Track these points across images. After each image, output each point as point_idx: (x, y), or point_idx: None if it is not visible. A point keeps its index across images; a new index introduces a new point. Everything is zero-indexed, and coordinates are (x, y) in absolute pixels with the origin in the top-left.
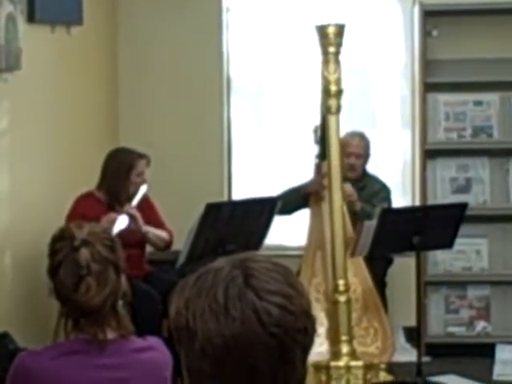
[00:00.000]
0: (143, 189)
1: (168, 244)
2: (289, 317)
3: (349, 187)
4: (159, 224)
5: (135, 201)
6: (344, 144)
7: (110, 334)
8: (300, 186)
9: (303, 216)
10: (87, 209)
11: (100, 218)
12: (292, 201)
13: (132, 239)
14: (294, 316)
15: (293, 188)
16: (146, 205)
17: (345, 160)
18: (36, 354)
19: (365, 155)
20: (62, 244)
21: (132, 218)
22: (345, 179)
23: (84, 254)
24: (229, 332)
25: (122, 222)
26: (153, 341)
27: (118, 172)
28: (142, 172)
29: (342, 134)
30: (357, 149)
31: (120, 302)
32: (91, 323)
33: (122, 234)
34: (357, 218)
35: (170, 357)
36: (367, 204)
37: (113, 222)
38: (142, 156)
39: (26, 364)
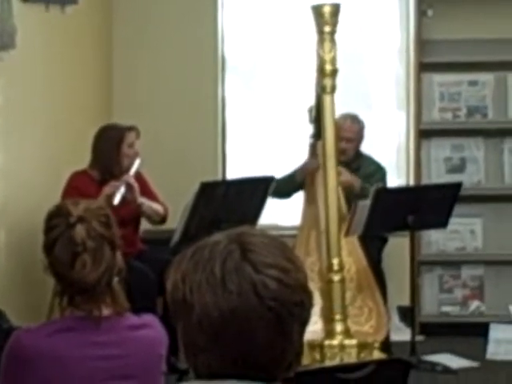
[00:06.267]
0: (137, 162)
1: (163, 218)
2: (286, 290)
3: (346, 175)
4: (153, 198)
5: (132, 171)
6: (336, 127)
7: (106, 311)
8: (295, 172)
9: (297, 196)
10: (82, 184)
11: (93, 196)
12: (288, 186)
13: (127, 214)
14: (291, 289)
15: (288, 174)
16: (138, 179)
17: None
18: (31, 331)
19: (357, 138)
20: (57, 221)
21: (129, 186)
22: (338, 162)
23: (80, 230)
24: (226, 305)
25: (121, 190)
26: (148, 318)
27: (109, 147)
28: (133, 143)
29: (337, 115)
30: (348, 133)
31: (115, 279)
32: (86, 300)
33: (117, 208)
34: (352, 197)
35: (165, 334)
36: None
37: (117, 187)
38: (130, 128)
39: (21, 342)
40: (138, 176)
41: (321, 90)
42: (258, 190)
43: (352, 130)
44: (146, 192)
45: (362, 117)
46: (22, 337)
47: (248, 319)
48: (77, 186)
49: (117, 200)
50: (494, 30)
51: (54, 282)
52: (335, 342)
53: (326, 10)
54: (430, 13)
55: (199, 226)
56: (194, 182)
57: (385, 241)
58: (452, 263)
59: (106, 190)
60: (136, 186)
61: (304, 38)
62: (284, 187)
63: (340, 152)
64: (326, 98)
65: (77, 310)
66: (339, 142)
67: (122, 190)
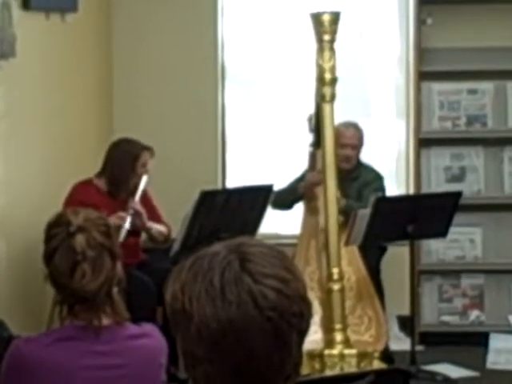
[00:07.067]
0: (144, 180)
1: (167, 238)
2: (285, 300)
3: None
4: (157, 218)
5: (138, 195)
6: (338, 135)
7: (105, 321)
8: (298, 185)
9: (297, 204)
10: (86, 196)
11: (98, 206)
12: (290, 198)
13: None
14: (290, 300)
15: (290, 186)
16: (143, 198)
17: (339, 151)
18: (31, 341)
19: (359, 146)
20: (57, 230)
21: (137, 213)
22: (338, 170)
23: (79, 240)
24: (225, 316)
25: (126, 226)
26: (147, 327)
27: (123, 161)
28: (146, 163)
29: (336, 123)
30: (352, 140)
31: (115, 289)
32: (86, 309)
33: None
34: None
35: (165, 343)
36: (357, 197)
37: (123, 220)
38: (146, 148)
39: (21, 352)
40: (144, 195)
41: (320, 98)
42: (259, 198)
43: (356, 136)
44: (150, 212)
45: (361, 125)
46: (21, 346)
47: (247, 330)
48: (80, 199)
49: (121, 237)
50: (494, 38)
51: (53, 292)
52: (335, 351)
53: (326, 18)
54: (429, 21)
55: (199, 236)
56: (194, 190)
57: (383, 250)
58: (452, 272)
59: (113, 220)
60: (143, 211)
61: (304, 47)
62: (286, 199)
63: (344, 159)
64: (326, 107)
65: (76, 319)
66: (343, 149)
67: (127, 225)
